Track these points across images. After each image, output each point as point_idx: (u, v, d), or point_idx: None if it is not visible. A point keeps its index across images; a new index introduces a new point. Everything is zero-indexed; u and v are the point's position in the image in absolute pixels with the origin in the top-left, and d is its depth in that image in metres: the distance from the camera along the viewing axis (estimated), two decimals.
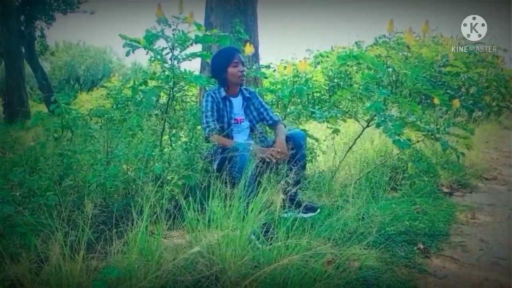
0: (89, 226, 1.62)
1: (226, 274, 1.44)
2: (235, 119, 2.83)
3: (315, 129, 4.18)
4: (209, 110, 2.72)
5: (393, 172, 3.73)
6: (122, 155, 2.42)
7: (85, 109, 12.11)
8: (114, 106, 8.14)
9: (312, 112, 3.88)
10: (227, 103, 2.80)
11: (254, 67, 4.33)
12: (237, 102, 2.87)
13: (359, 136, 3.49)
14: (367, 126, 3.38)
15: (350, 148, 3.57)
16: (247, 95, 2.91)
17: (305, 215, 2.45)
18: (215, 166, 2.61)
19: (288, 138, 2.69)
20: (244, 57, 3.01)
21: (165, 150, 2.81)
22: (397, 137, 2.99)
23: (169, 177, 2.56)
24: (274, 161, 2.43)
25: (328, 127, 4.00)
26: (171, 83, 3.23)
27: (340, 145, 4.16)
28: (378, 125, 3.14)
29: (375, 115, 3.24)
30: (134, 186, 2.28)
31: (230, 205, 1.76)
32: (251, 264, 1.52)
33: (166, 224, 2.30)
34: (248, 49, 3.60)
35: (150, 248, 1.60)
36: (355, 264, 1.75)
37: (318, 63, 10.47)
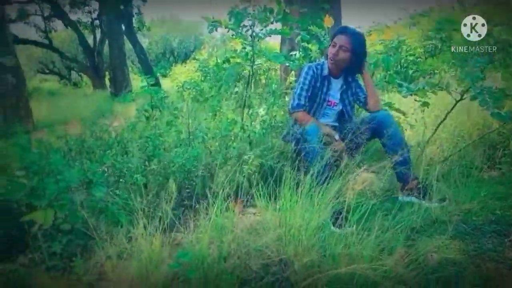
0: (172, 206, 1.76)
1: (293, 265, 1.46)
2: (329, 101, 2.72)
3: (402, 100, 3.91)
4: (306, 84, 2.62)
5: (492, 148, 3.39)
6: (202, 135, 2.54)
7: (178, 81, 12.84)
8: (203, 78, 8.49)
9: (400, 85, 3.65)
10: (326, 82, 2.68)
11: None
12: (336, 84, 2.73)
13: (451, 110, 3.20)
14: (461, 99, 3.08)
15: (441, 122, 3.31)
16: (349, 79, 2.74)
17: (428, 204, 2.21)
18: (293, 145, 2.60)
19: (371, 119, 2.57)
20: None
21: (245, 127, 2.86)
22: (496, 110, 2.70)
23: (246, 157, 2.63)
24: (336, 156, 2.34)
25: (416, 100, 3.74)
26: (250, 61, 3.27)
27: (431, 118, 3.86)
28: (473, 98, 2.86)
29: (470, 87, 2.94)
30: (213, 166, 2.37)
31: (300, 194, 1.76)
32: (317, 256, 1.50)
33: (243, 202, 2.40)
34: (328, 21, 3.44)
35: (225, 228, 1.68)
36: (433, 257, 1.66)
37: (415, 25, 9.65)
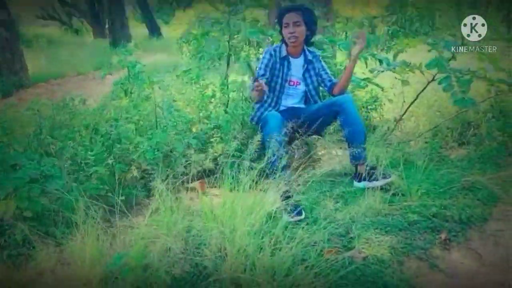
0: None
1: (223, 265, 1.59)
2: (290, 81, 2.77)
3: (381, 75, 3.90)
4: (262, 68, 2.68)
5: (466, 126, 3.43)
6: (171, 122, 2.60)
7: (177, 33, 12.63)
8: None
9: (380, 61, 3.62)
10: (285, 63, 2.73)
11: None
12: (297, 64, 2.77)
13: (422, 91, 3.22)
14: (433, 79, 3.08)
15: (412, 102, 3.34)
16: (310, 57, 2.78)
17: (376, 183, 2.39)
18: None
19: (332, 103, 2.61)
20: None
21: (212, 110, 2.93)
22: (460, 95, 2.72)
23: (212, 139, 2.71)
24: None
25: (396, 78, 3.73)
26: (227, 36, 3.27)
27: (410, 93, 3.87)
28: (439, 83, 2.87)
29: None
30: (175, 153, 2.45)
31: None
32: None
33: (209, 183, 2.53)
34: None
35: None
36: (360, 255, 1.78)
37: None
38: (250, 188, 2.00)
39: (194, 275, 1.63)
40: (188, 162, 2.43)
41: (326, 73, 2.79)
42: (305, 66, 2.76)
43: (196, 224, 1.85)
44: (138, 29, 17.75)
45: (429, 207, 2.12)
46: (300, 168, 2.86)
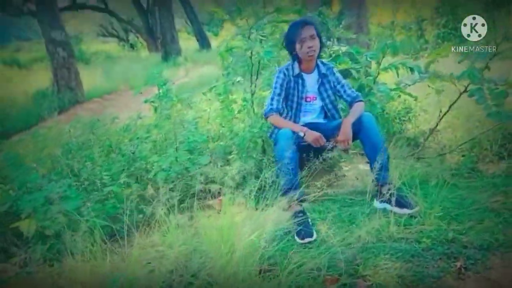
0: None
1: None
2: (306, 97, 2.74)
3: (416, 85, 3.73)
4: (278, 87, 2.67)
5: (508, 138, 3.19)
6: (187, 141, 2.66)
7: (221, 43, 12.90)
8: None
9: (411, 69, 3.47)
10: (300, 81, 2.69)
11: None
12: (311, 79, 2.73)
13: (454, 102, 3.03)
14: (465, 91, 2.89)
15: (444, 114, 3.15)
16: (323, 71, 2.73)
17: (398, 211, 2.26)
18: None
19: (355, 123, 2.54)
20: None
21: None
22: (494, 109, 2.54)
23: (230, 157, 2.73)
24: (318, 145, 2.36)
25: (429, 86, 3.56)
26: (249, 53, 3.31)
27: (447, 102, 3.67)
28: (471, 95, 2.70)
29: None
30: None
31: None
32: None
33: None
34: None
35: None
36: (364, 283, 1.70)
37: None
38: (260, 206, 2.00)
39: None
40: (207, 181, 2.48)
41: (342, 86, 2.72)
42: (320, 80, 2.71)
43: (198, 246, 1.87)
44: (189, 42, 18.37)
45: (445, 231, 1.98)
46: (319, 185, 2.82)
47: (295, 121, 2.71)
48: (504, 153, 3.09)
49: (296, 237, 2.13)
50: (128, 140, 2.67)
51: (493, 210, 2.22)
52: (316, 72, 2.72)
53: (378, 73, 3.57)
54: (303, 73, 2.69)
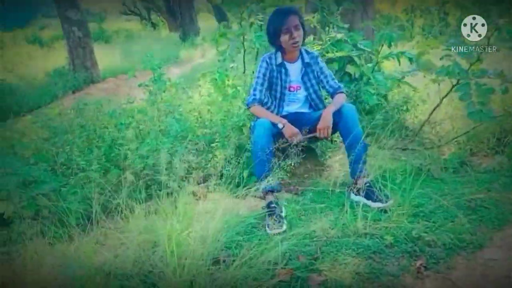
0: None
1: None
2: (290, 87, 2.70)
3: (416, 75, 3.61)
4: (261, 77, 2.63)
5: (503, 132, 3.08)
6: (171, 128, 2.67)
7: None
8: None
9: (410, 59, 3.36)
10: (283, 70, 2.65)
11: None
12: (295, 68, 2.68)
13: (446, 95, 2.92)
14: (456, 84, 2.79)
15: (436, 107, 3.06)
16: (307, 60, 2.67)
17: (371, 204, 2.24)
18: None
19: (335, 113, 2.49)
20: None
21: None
22: (477, 107, 2.46)
23: (213, 145, 2.74)
24: (295, 142, 2.32)
25: (425, 76, 3.46)
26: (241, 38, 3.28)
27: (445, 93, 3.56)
28: (457, 90, 2.61)
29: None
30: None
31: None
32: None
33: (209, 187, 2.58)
34: None
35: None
36: (318, 278, 1.70)
37: None
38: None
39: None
40: (189, 168, 2.51)
41: (326, 76, 2.66)
42: (303, 69, 2.66)
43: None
44: (210, 22, 18.25)
45: (410, 229, 1.94)
46: (299, 175, 2.80)
47: (278, 111, 2.69)
48: (500, 148, 2.98)
49: (266, 228, 2.14)
50: (114, 125, 2.70)
51: (470, 207, 2.16)
52: (299, 61, 2.67)
53: (377, 62, 3.48)
54: (286, 62, 2.64)
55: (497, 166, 2.75)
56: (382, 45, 3.37)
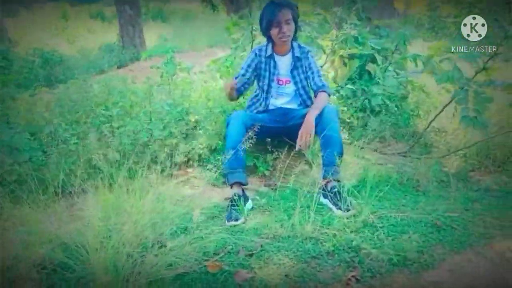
0: None
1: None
2: (278, 80, 2.67)
3: (427, 78, 3.42)
4: (244, 68, 2.64)
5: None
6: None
7: None
8: None
9: (423, 63, 3.19)
10: (271, 62, 2.63)
11: None
12: (284, 62, 2.65)
13: (447, 105, 2.75)
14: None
15: (437, 115, 2.89)
16: (297, 54, 2.63)
17: (334, 211, 2.18)
18: None
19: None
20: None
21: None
22: (471, 113, 2.32)
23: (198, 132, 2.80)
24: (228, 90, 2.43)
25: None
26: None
27: None
28: (454, 95, 2.46)
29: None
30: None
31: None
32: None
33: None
34: None
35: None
36: (246, 275, 1.70)
37: None
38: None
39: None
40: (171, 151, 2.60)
41: (313, 72, 2.61)
42: (293, 63, 2.62)
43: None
44: None
45: (352, 238, 1.88)
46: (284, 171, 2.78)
47: (266, 103, 2.68)
48: (505, 167, 2.77)
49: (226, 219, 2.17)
50: (111, 104, 2.84)
51: (435, 225, 2.04)
52: (290, 54, 2.64)
53: (389, 63, 3.34)
54: (275, 55, 2.62)
55: (495, 185, 2.57)
56: (396, 45, 3.22)
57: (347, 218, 2.08)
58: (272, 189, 2.62)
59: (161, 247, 1.84)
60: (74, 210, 2.12)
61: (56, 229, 1.84)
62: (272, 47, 2.61)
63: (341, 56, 3.68)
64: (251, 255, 1.83)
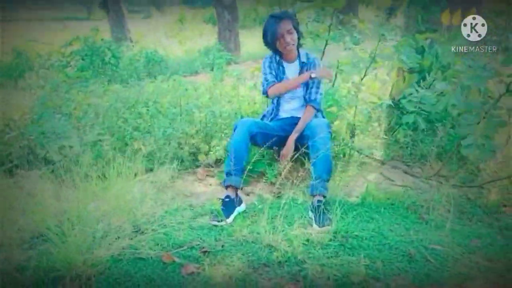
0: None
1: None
2: None
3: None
4: (267, 69, 2.72)
5: None
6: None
7: None
8: None
9: None
10: (280, 68, 2.73)
11: None
12: (292, 68, 2.74)
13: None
14: None
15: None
16: (304, 60, 2.71)
17: (313, 224, 2.18)
18: None
19: (306, 129, 2.53)
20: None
21: None
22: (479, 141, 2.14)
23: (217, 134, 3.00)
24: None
25: None
26: None
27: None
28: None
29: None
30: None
31: None
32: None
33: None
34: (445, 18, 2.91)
35: None
36: (192, 268, 1.83)
37: None
38: None
39: None
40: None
41: (313, 82, 2.66)
42: (300, 68, 2.70)
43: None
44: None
45: (300, 252, 1.87)
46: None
47: (277, 108, 2.75)
48: None
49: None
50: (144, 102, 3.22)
51: (409, 254, 1.91)
52: (297, 61, 2.73)
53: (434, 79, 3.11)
54: (283, 61, 2.72)
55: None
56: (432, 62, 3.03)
57: (318, 233, 2.06)
58: (277, 197, 2.66)
59: (136, 231, 2.09)
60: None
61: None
62: (280, 56, 2.70)
63: (400, 69, 3.54)
64: (208, 252, 1.95)
